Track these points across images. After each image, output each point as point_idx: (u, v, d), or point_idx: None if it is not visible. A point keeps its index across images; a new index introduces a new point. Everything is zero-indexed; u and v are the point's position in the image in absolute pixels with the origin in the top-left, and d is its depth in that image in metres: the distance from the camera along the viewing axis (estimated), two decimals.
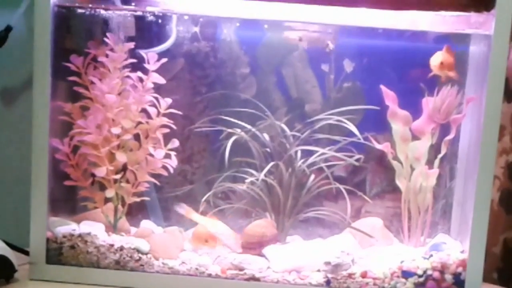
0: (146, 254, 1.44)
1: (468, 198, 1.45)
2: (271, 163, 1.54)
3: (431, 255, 1.42)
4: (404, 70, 1.59)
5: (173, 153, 1.50)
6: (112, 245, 1.43)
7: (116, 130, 1.44)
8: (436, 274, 1.40)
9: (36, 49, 1.37)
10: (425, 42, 1.57)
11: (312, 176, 1.55)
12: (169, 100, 1.49)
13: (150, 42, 1.56)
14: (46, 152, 1.39)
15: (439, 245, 1.47)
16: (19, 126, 1.68)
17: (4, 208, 1.73)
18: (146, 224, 1.58)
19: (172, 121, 1.49)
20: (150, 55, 1.48)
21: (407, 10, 1.43)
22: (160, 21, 1.56)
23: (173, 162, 1.50)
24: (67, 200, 1.54)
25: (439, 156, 1.52)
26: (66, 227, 1.45)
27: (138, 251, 1.43)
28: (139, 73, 1.47)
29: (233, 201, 1.58)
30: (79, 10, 1.49)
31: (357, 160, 1.55)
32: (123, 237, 1.47)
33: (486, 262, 1.40)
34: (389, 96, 1.53)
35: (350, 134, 1.54)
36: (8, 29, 1.61)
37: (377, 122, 1.58)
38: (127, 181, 1.48)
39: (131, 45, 1.48)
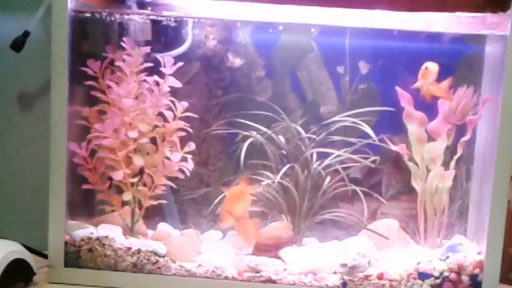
0: (163, 256, 1.44)
1: (485, 199, 1.44)
2: (287, 166, 1.54)
3: (448, 257, 1.42)
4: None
5: (189, 156, 1.50)
6: (129, 248, 1.44)
7: (133, 134, 1.45)
8: (453, 276, 1.40)
9: (53, 54, 1.38)
10: (441, 43, 1.57)
11: (328, 178, 1.55)
12: (185, 104, 1.50)
13: (166, 46, 1.57)
14: (64, 156, 1.40)
15: (456, 246, 1.46)
16: (37, 130, 1.70)
17: (22, 212, 1.75)
18: (163, 227, 1.60)
19: (188, 124, 1.50)
20: (166, 59, 1.49)
21: (423, 11, 1.43)
22: (176, 25, 1.57)
23: (189, 165, 1.50)
24: (85, 203, 1.55)
25: (455, 157, 1.52)
26: (84, 231, 1.46)
27: (155, 253, 1.44)
28: (156, 77, 1.48)
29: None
30: (96, 15, 1.50)
31: (373, 161, 1.55)
32: (140, 240, 1.48)
33: (503, 263, 1.39)
34: (405, 98, 1.53)
35: (366, 135, 1.54)
36: (26, 34, 1.62)
37: (392, 124, 1.58)
38: (144, 184, 1.49)
39: (148, 49, 1.49)
